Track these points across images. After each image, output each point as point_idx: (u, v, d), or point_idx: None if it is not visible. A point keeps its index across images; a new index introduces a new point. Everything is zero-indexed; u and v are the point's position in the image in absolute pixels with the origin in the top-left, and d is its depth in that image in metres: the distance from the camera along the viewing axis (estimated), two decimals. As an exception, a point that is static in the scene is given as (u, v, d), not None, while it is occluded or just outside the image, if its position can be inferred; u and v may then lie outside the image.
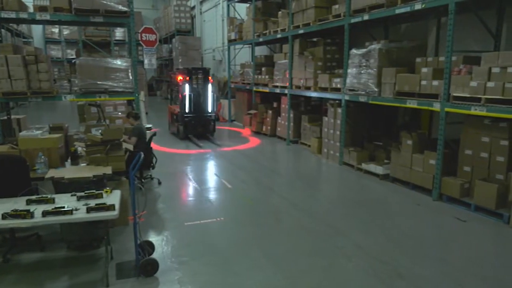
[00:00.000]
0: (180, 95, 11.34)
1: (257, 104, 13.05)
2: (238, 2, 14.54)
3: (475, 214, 5.66)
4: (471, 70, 5.69)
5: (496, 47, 6.54)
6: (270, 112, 12.02)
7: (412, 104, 6.56)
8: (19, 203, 3.75)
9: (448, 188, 6.11)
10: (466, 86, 5.66)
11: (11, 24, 15.10)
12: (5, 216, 3.44)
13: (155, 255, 4.28)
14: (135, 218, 3.92)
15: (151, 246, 4.35)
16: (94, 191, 3.95)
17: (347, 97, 8.18)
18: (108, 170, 4.75)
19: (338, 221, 5.55)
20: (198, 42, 20.13)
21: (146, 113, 12.77)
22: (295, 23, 9.94)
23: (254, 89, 12.94)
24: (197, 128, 11.40)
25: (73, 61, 13.88)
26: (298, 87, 10.14)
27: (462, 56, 6.19)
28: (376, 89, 7.29)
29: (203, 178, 7.78)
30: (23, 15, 6.83)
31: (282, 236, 5.09)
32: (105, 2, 6.96)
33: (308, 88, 9.72)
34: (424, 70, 6.45)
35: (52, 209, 3.51)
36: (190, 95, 11.08)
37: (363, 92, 7.63)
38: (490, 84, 5.34)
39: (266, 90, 12.03)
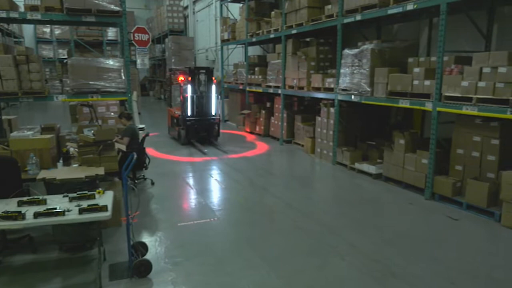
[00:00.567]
0: (181, 97, 10.63)
1: (251, 104, 13.05)
2: (231, 2, 14.52)
3: (467, 213, 5.72)
4: (463, 70, 5.74)
5: (487, 47, 6.61)
6: (263, 112, 12.02)
7: (404, 103, 6.60)
8: (10, 205, 3.71)
9: (440, 187, 6.16)
10: (457, 86, 5.71)
11: (1, 24, 14.95)
12: (-4, 217, 3.40)
13: (148, 256, 4.26)
14: (128, 219, 3.90)
15: (144, 247, 4.33)
16: (86, 192, 3.92)
17: (340, 97, 8.21)
18: (100, 170, 4.72)
19: (331, 221, 5.57)
20: (191, 42, 20.10)
21: (139, 114, 12.59)
22: (288, 23, 9.96)
23: (248, 89, 12.93)
24: (200, 133, 10.55)
25: (64, 61, 13.77)
26: (291, 87, 10.15)
27: (453, 56, 6.25)
28: (368, 89, 7.33)
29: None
30: (14, 15, 6.75)
31: (276, 235, 5.10)
32: (97, 1, 6.90)
33: (301, 88, 9.74)
34: (416, 70, 6.50)
35: (44, 210, 3.48)
36: (192, 97, 10.29)
37: (356, 92, 7.66)
38: (481, 84, 5.40)
39: (260, 90, 12.02)
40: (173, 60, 19.14)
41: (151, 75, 26.96)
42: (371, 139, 8.38)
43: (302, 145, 10.17)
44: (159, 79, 24.11)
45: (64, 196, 3.92)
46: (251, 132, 12.51)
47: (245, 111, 13.02)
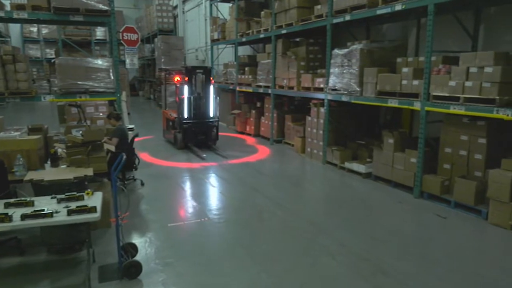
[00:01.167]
0: (177, 98, 10.06)
1: (241, 104, 13.04)
2: (220, 1, 14.50)
3: (455, 211, 5.79)
4: (450, 70, 5.81)
5: (473, 47, 6.70)
6: (253, 112, 12.02)
7: (393, 103, 6.66)
8: (-3, 207, 3.65)
9: (429, 186, 6.23)
10: (445, 86, 5.78)
11: (-13, 23, 14.72)
12: (-18, 220, 3.34)
13: (138, 257, 4.23)
14: (117, 220, 3.87)
15: (134, 248, 4.30)
16: (75, 193, 3.88)
17: (330, 97, 8.25)
18: (89, 171, 4.68)
19: (321, 220, 5.60)
20: (181, 42, 19.98)
21: (128, 114, 12.45)
22: (278, 23, 9.97)
23: (238, 89, 12.92)
24: (197, 136, 10.01)
25: (52, 60, 13.60)
26: (281, 87, 10.17)
27: (441, 56, 6.32)
28: (358, 89, 7.38)
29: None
30: (0, 14, 6.66)
31: (267, 235, 5.10)
32: (85, 0, 6.83)
33: (291, 88, 9.77)
34: (405, 70, 6.56)
35: (32, 212, 3.43)
36: (189, 98, 9.72)
37: (346, 92, 7.71)
38: (468, 84, 5.47)
39: (250, 90, 12.02)
40: (162, 60, 19.01)
41: (141, 75, 26.76)
42: (361, 139, 8.45)
43: (292, 145, 10.19)
44: (149, 79, 23.95)
45: (52, 198, 3.87)
46: (241, 132, 12.50)
47: (236, 111, 13.01)
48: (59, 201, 3.77)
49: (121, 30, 13.92)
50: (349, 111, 8.64)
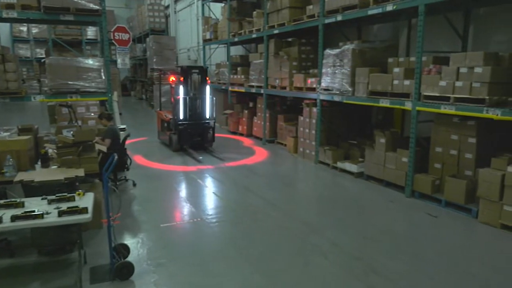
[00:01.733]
0: (172, 99, 9.85)
1: (233, 104, 13.03)
2: (212, 1, 14.47)
3: (446, 210, 5.84)
4: (441, 70, 5.87)
5: (463, 47, 6.77)
6: (246, 112, 12.02)
7: (384, 103, 6.70)
8: (-14, 208, 3.61)
9: (420, 185, 6.28)
10: (436, 86, 5.83)
11: (-25, 22, 14.51)
12: (-29, 221, 3.30)
13: (130, 258, 4.20)
14: (109, 221, 3.85)
15: (126, 249, 4.27)
16: (66, 194, 3.85)
17: (322, 97, 8.28)
18: (80, 172, 4.64)
19: (314, 219, 5.62)
20: (173, 42, 19.91)
21: (120, 114, 12.37)
22: (270, 23, 9.98)
23: (230, 89, 12.91)
24: (193, 138, 9.80)
25: (42, 60, 13.45)
26: (274, 87, 10.18)
27: (432, 57, 6.38)
28: (350, 89, 7.42)
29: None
30: (-12, 13, 6.58)
31: (259, 235, 5.10)
32: (75, 0, 6.78)
33: (283, 88, 9.78)
34: (396, 70, 6.61)
35: (22, 213, 3.40)
36: (185, 99, 9.50)
37: (338, 92, 7.74)
38: (458, 84, 5.52)
39: (242, 90, 12.02)
40: (154, 60, 18.92)
41: (132, 75, 26.60)
42: (353, 138, 8.49)
43: (285, 145, 10.21)
44: (141, 79, 23.82)
45: (42, 199, 3.84)
46: (234, 132, 12.49)
47: (228, 111, 12.99)
48: (50, 202, 3.74)
49: (112, 30, 13.81)
50: (341, 111, 8.68)
